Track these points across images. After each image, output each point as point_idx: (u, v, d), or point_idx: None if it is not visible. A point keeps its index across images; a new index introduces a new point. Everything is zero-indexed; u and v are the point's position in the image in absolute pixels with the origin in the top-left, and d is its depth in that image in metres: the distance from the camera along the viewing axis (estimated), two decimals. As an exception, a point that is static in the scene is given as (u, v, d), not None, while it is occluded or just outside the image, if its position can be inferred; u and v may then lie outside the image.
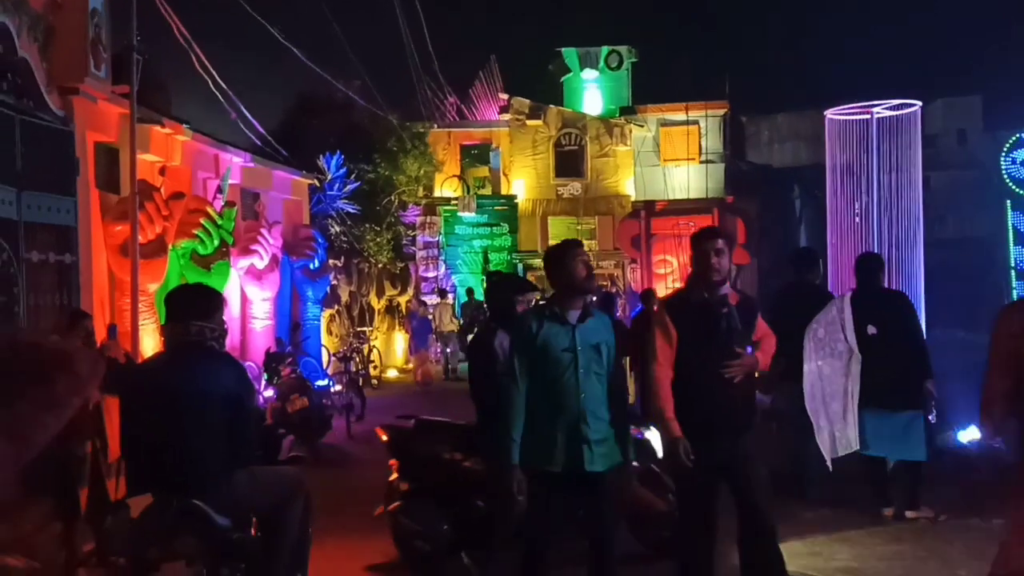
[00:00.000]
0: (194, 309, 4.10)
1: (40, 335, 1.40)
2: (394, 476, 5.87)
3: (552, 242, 25.37)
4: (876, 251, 9.73)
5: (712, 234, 4.77)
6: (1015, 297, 15.45)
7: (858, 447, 6.75)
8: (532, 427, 4.36)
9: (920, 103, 11.01)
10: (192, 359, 3.92)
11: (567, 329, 4.38)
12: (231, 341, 8.56)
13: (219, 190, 12.63)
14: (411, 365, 19.43)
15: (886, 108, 10.85)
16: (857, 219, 10.79)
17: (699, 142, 24.37)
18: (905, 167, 10.68)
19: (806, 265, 7.85)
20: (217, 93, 13.33)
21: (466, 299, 21.02)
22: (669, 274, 21.60)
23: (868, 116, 10.79)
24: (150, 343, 10.37)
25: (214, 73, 12.97)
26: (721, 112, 24.77)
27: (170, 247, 10.88)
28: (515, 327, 4.60)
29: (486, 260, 23.86)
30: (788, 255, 8.99)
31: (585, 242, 24.61)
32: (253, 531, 4.24)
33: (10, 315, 8.21)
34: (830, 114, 11.34)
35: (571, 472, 4.35)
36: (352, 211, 19.32)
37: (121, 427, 4.05)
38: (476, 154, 25.92)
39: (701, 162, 24.32)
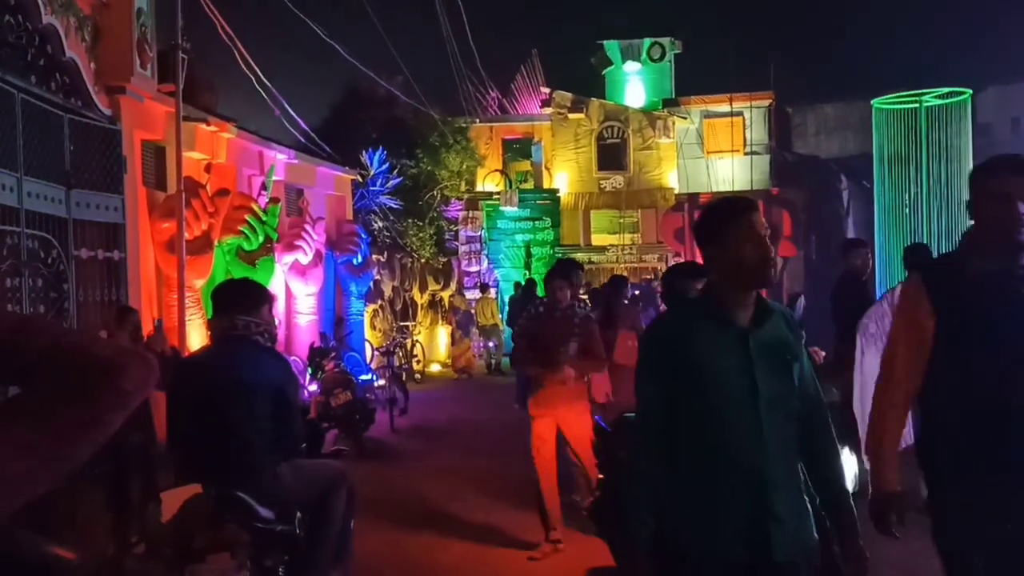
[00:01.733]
0: (239, 303, 4.13)
1: (89, 337, 1.41)
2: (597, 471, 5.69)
3: (595, 236, 25.33)
4: (925, 242, 9.56)
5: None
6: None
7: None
8: (681, 489, 2.78)
9: (971, 91, 10.78)
10: (237, 352, 3.95)
11: (736, 337, 2.75)
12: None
13: (263, 187, 12.75)
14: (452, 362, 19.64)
15: (935, 96, 10.64)
16: (907, 210, 10.59)
17: (743, 133, 24.09)
18: (955, 156, 10.46)
19: (848, 255, 7.77)
20: (261, 91, 13.45)
21: (513, 292, 21.03)
22: (713, 267, 21.40)
23: (917, 105, 10.59)
24: (196, 338, 10.51)
25: (257, 71, 13.10)
26: (766, 103, 24.46)
27: (216, 243, 11.01)
28: (645, 335, 3.03)
29: (528, 254, 23.83)
30: (838, 245, 8.88)
31: (627, 236, 24.63)
32: (297, 523, 4.27)
33: (60, 311, 8.36)
34: (878, 103, 11.14)
35: (745, 562, 2.73)
36: (395, 206, 19.42)
37: (168, 419, 4.10)
38: (518, 148, 25.88)
39: (746, 154, 24.04)
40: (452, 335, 20.36)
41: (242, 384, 3.91)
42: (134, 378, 1.22)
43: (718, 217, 2.82)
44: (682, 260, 22.75)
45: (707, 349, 2.74)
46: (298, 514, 4.30)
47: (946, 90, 10.71)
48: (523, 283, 19.39)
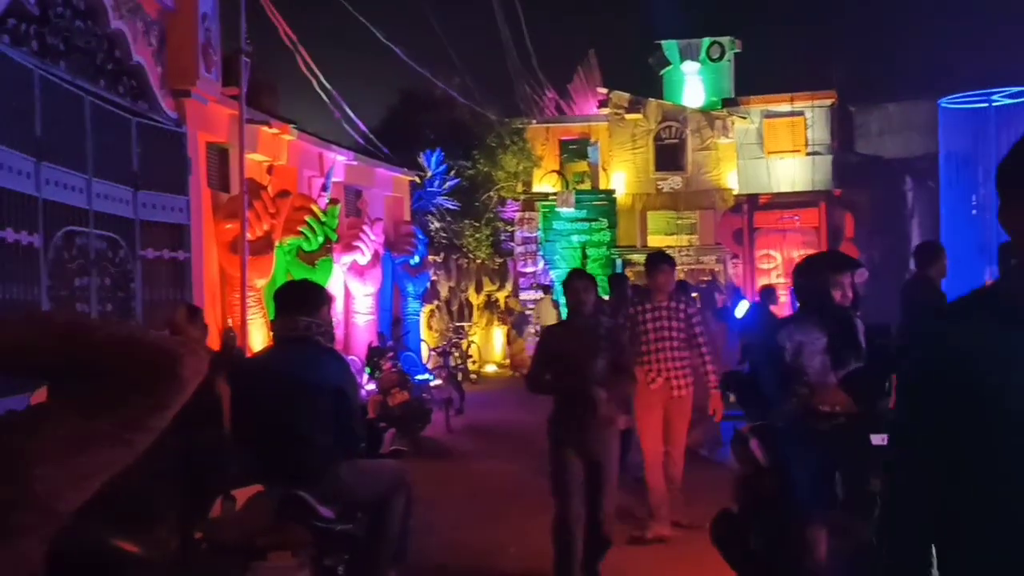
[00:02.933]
0: (301, 304, 4.18)
1: (140, 329, 1.46)
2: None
3: (651, 237, 25.12)
4: (997, 244, 9.30)
5: None
6: None
7: None
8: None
9: (1043, 90, 10.48)
10: (299, 352, 4.00)
11: None
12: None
13: (323, 188, 12.91)
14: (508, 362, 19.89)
15: (1005, 96, 10.36)
16: (974, 211, 10.31)
17: (805, 133, 23.69)
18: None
19: (927, 260, 7.24)
20: (321, 93, 13.61)
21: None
22: (772, 269, 21.10)
23: (986, 104, 10.32)
24: (258, 337, 10.67)
25: (319, 74, 13.26)
26: (828, 102, 24.03)
27: (277, 244, 11.17)
28: (915, 341, 1.94)
29: (584, 255, 23.76)
30: (912, 250, 8.39)
31: (685, 237, 24.39)
32: (357, 523, 4.30)
33: (127, 310, 8.56)
34: (945, 103, 10.89)
35: None
36: (452, 207, 19.51)
37: (231, 419, 4.17)
38: (575, 149, 25.80)
39: (807, 154, 23.65)
40: (508, 335, 20.44)
41: (304, 385, 3.96)
42: (190, 365, 1.29)
43: None
44: (739, 262, 22.50)
45: (1013, 361, 1.65)
46: (358, 514, 4.34)
47: (1016, 89, 10.42)
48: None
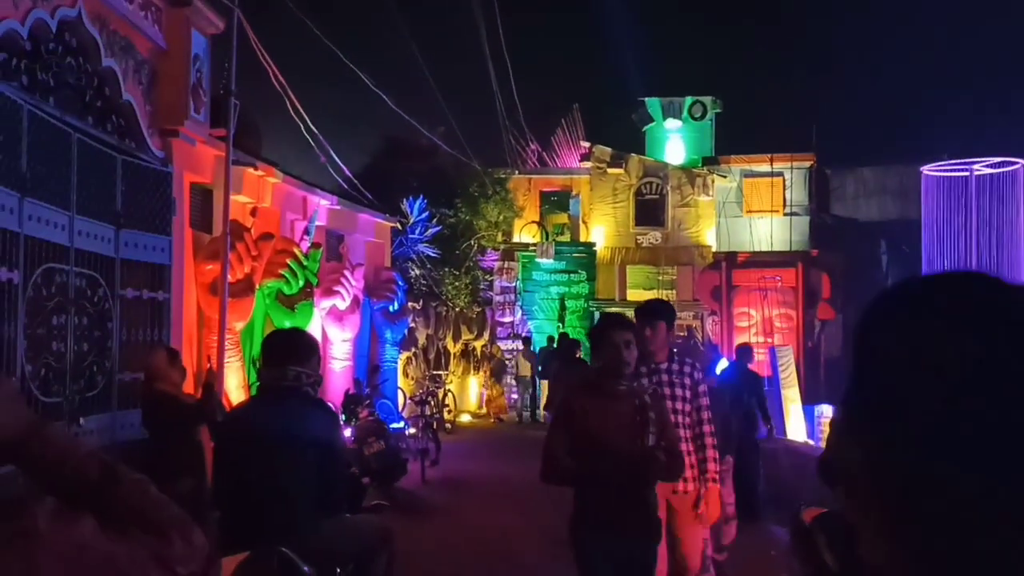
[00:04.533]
0: (292, 353, 4.07)
1: (175, 514, 1.48)
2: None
3: (630, 291, 25.23)
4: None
5: None
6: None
7: None
8: None
9: (1023, 161, 10.65)
10: (286, 405, 3.89)
11: None
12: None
13: (306, 231, 12.83)
14: (484, 409, 19.85)
15: (986, 166, 10.53)
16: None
17: (783, 194, 24.01)
18: (1006, 225, 10.32)
19: None
20: (308, 137, 13.60)
21: (546, 344, 20.95)
22: (750, 327, 21.18)
23: (967, 173, 10.49)
24: (235, 380, 10.50)
25: (306, 118, 13.25)
26: (807, 164, 24.40)
27: (257, 286, 11.05)
28: None
29: (563, 307, 23.76)
30: None
31: (664, 292, 24.48)
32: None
33: (103, 350, 8.39)
34: (927, 170, 11.06)
35: None
36: (432, 255, 19.49)
37: (214, 472, 4.04)
38: (556, 201, 25.96)
39: (785, 214, 23.93)
40: (487, 381, 20.39)
41: (291, 440, 3.85)
42: (201, 542, 1.37)
43: None
44: (717, 319, 22.56)
45: None
46: (337, 570, 4.21)
47: (997, 160, 10.60)
48: (556, 336, 19.30)
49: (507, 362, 20.18)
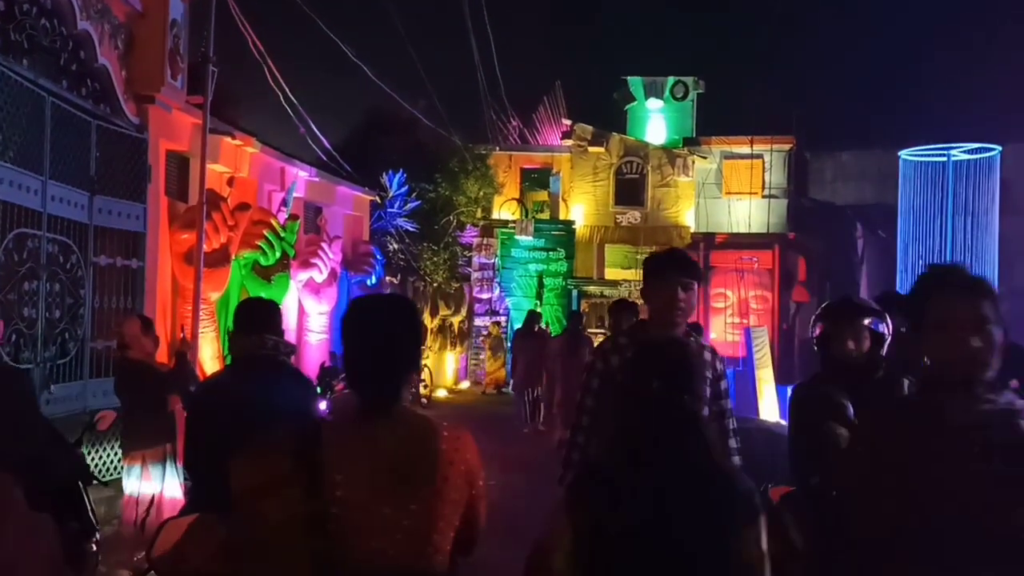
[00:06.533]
0: (268, 321, 4.01)
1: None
2: None
3: (608, 270, 25.25)
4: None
5: None
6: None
7: None
8: None
9: (1000, 147, 10.71)
10: (266, 374, 3.84)
11: None
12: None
13: (283, 203, 12.73)
14: (465, 385, 20.25)
15: (964, 151, 10.58)
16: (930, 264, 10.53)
17: (763, 176, 24.05)
18: (982, 212, 10.39)
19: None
20: (287, 107, 13.46)
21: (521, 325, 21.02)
22: (726, 308, 21.28)
23: (944, 158, 10.54)
24: (209, 351, 10.43)
25: (285, 88, 13.11)
26: (787, 147, 24.44)
27: (233, 257, 10.96)
28: None
29: (541, 285, 23.76)
30: (876, 297, 8.17)
31: (641, 272, 24.53)
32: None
33: (75, 317, 8.30)
34: (905, 154, 11.10)
35: None
36: (411, 229, 19.39)
37: (186, 444, 3.99)
38: (536, 178, 25.87)
39: (764, 196, 23.99)
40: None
41: (270, 409, 3.80)
42: None
43: None
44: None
45: None
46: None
47: (975, 145, 10.65)
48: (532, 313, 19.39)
49: (503, 338, 20.61)
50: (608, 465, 2.46)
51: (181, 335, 7.93)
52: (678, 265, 3.72)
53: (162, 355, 7.82)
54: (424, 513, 2.18)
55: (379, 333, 2.37)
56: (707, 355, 3.76)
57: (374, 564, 2.12)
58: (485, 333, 21.95)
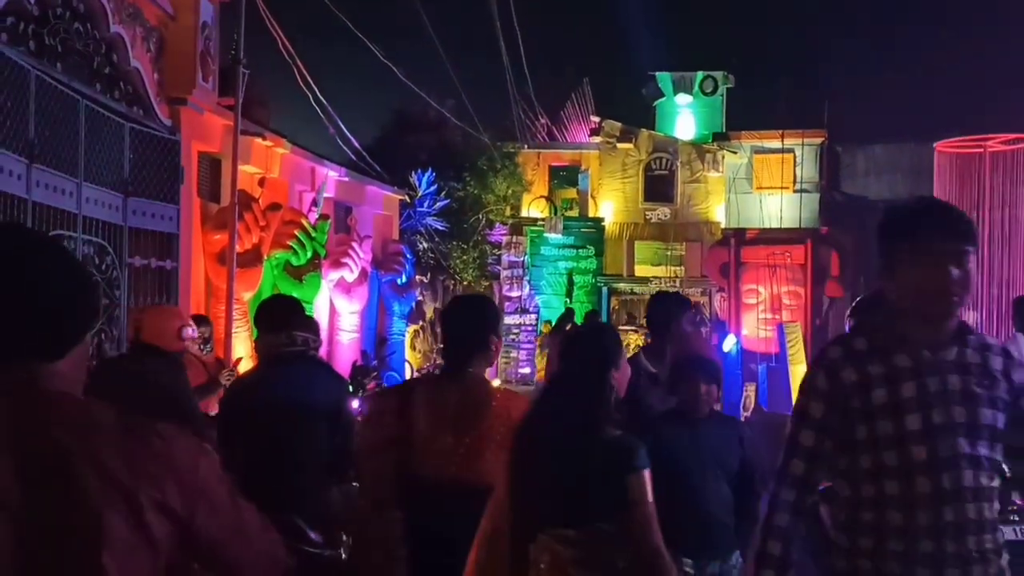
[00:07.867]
0: (295, 318, 4.03)
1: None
2: None
3: (638, 267, 25.15)
4: (986, 291, 9.32)
5: None
6: None
7: None
8: None
9: (1038, 138, 10.55)
10: (298, 371, 3.86)
11: None
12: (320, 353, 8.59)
13: (314, 203, 12.80)
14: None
15: (1000, 142, 10.42)
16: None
17: (794, 171, 23.82)
18: (1018, 203, 10.23)
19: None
20: (317, 108, 13.53)
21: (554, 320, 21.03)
22: (758, 304, 21.10)
23: (981, 150, 10.38)
24: (242, 349, 10.50)
25: (315, 88, 13.18)
26: (818, 141, 24.20)
27: (265, 257, 11.03)
28: None
29: (570, 282, 23.72)
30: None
31: (672, 269, 24.42)
32: (343, 548, 4.18)
33: (111, 318, 8.39)
34: (941, 147, 10.94)
35: None
36: (440, 228, 19.43)
37: (219, 441, 4.01)
38: (565, 175, 25.81)
39: (795, 191, 23.77)
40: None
41: (304, 407, 3.82)
42: None
43: None
44: (725, 295, 22.49)
45: None
46: (344, 538, 4.21)
47: (1012, 136, 10.48)
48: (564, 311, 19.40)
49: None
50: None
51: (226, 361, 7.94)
52: (945, 224, 2.42)
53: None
54: (474, 445, 3.00)
55: (454, 322, 3.24)
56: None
57: (439, 474, 2.96)
58: (516, 331, 21.87)
